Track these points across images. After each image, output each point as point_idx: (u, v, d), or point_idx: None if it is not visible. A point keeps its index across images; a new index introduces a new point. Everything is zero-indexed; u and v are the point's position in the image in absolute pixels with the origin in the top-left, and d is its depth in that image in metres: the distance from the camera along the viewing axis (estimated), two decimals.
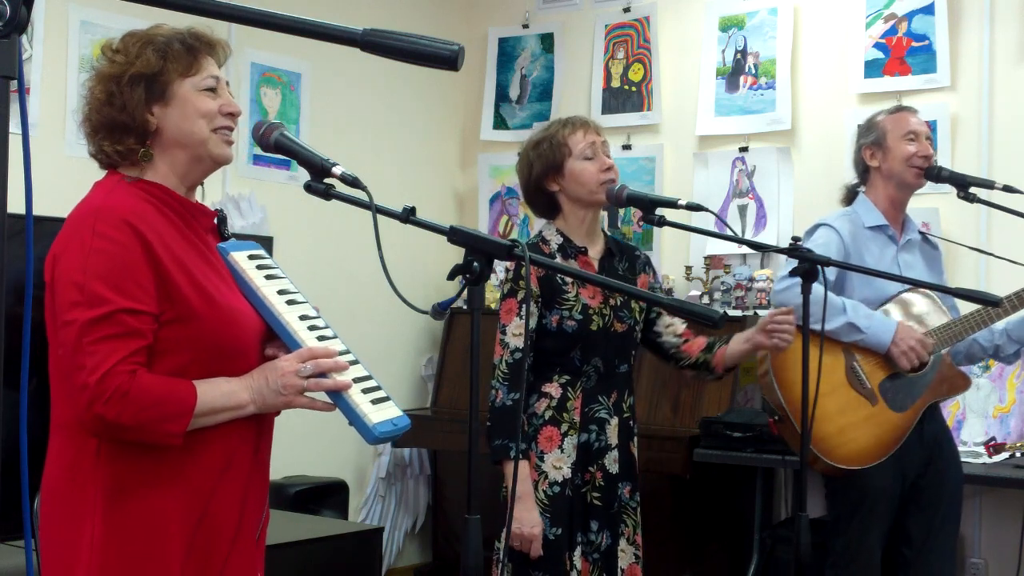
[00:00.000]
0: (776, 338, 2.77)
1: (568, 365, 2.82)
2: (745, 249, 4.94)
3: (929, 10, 4.60)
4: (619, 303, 2.87)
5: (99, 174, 1.98)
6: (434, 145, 5.74)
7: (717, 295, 4.90)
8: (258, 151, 4.65)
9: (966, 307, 3.15)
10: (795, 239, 2.72)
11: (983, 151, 4.47)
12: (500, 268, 3.80)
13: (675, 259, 5.14)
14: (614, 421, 2.85)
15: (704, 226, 3.32)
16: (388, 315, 5.18)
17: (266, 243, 3.82)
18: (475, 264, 1.74)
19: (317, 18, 1.30)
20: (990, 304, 2.82)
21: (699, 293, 4.94)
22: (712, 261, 4.96)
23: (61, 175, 3.59)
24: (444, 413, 5.21)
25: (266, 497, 2.06)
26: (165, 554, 1.85)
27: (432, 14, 5.63)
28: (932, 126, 3.89)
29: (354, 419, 1.86)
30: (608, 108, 5.37)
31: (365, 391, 1.90)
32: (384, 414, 1.88)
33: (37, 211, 1.27)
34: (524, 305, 2.78)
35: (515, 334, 2.79)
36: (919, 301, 3.28)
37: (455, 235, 1.77)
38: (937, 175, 3.29)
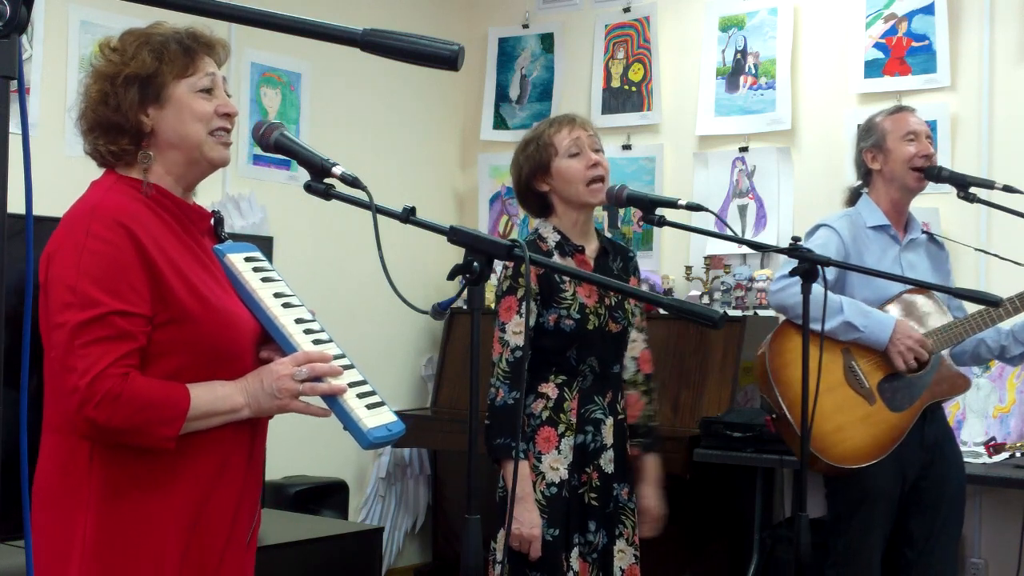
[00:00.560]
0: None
1: (564, 365, 2.82)
2: (745, 249, 4.94)
3: (929, 10, 4.60)
4: (614, 303, 2.87)
5: (99, 175, 1.97)
6: (434, 145, 5.73)
7: (717, 295, 4.90)
8: (258, 151, 4.65)
9: (971, 307, 3.15)
10: (795, 239, 2.72)
11: (983, 151, 4.47)
12: (497, 265, 3.80)
13: (675, 259, 5.14)
14: (609, 421, 2.85)
15: (704, 226, 3.32)
16: (388, 315, 5.18)
17: (266, 243, 3.81)
18: (475, 264, 1.73)
19: (317, 18, 1.30)
20: (990, 304, 2.82)
21: (699, 293, 4.95)
22: (712, 261, 4.96)
23: (61, 175, 3.58)
24: (444, 413, 5.21)
25: (259, 501, 2.04)
26: (159, 559, 1.83)
27: (432, 14, 5.64)
28: (932, 126, 3.89)
29: (349, 424, 1.85)
30: (608, 108, 5.37)
31: (360, 396, 1.89)
32: (379, 419, 1.87)
33: (37, 211, 1.26)
34: (524, 303, 2.77)
35: (515, 332, 2.77)
36: (920, 301, 3.27)
37: (455, 235, 1.77)
38: (937, 175, 3.28)
